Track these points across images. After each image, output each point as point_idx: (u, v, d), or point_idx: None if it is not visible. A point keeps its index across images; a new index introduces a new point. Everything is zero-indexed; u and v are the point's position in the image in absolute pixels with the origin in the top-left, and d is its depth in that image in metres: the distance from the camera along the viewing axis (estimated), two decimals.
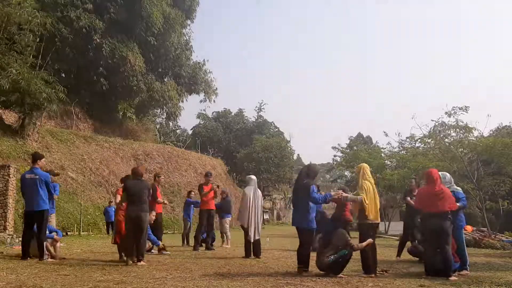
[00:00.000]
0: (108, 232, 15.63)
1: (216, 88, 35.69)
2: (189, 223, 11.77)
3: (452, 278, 5.34)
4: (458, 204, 5.98)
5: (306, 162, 76.97)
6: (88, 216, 16.33)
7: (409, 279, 5.38)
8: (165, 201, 10.32)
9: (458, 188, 6.54)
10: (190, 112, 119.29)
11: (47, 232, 7.14)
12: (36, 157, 7.25)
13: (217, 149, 46.85)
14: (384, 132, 26.49)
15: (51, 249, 7.23)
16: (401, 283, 5.10)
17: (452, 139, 18.64)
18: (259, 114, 54.76)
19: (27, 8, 17.29)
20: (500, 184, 19.27)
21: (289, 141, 51.82)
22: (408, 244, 8.42)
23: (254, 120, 54.78)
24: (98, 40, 24.22)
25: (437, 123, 19.56)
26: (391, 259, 8.31)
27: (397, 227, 19.89)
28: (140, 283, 4.77)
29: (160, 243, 8.66)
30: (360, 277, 5.45)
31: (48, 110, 19.18)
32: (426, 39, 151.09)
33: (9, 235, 10.32)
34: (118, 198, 7.64)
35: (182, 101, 33.16)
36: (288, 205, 48.53)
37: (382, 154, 27.19)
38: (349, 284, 4.94)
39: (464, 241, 6.32)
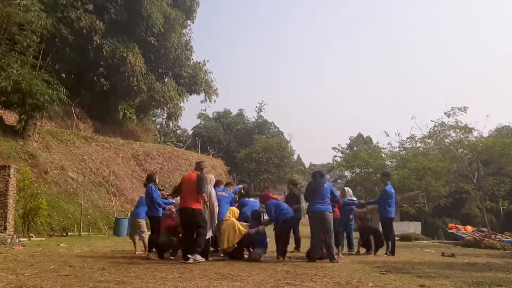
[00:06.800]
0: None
1: (217, 88, 35.74)
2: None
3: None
4: None
5: (306, 162, 77.11)
6: (88, 216, 16.33)
7: (409, 279, 5.39)
8: None
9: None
10: (190, 112, 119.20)
11: None
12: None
13: (218, 149, 46.83)
14: (385, 132, 26.66)
15: None
16: (401, 283, 5.10)
17: (451, 140, 18.68)
18: (259, 114, 54.88)
19: (34, 10, 17.34)
20: (500, 184, 19.26)
21: (289, 141, 51.87)
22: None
23: (255, 120, 54.87)
24: (98, 40, 24.25)
25: (436, 124, 19.61)
26: (391, 259, 8.32)
27: (397, 227, 19.88)
28: (140, 283, 4.77)
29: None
30: (360, 277, 5.46)
31: (49, 111, 19.21)
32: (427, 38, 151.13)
33: (9, 235, 10.31)
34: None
35: (183, 101, 33.22)
36: None
37: (383, 155, 27.23)
38: (349, 284, 4.94)
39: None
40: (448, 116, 17.95)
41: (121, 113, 30.85)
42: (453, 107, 18.00)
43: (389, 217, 9.09)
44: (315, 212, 7.55)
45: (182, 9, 31.55)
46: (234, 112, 55.50)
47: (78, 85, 26.02)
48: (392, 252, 8.94)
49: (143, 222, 8.96)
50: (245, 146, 47.35)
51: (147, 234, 8.88)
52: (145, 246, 8.76)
